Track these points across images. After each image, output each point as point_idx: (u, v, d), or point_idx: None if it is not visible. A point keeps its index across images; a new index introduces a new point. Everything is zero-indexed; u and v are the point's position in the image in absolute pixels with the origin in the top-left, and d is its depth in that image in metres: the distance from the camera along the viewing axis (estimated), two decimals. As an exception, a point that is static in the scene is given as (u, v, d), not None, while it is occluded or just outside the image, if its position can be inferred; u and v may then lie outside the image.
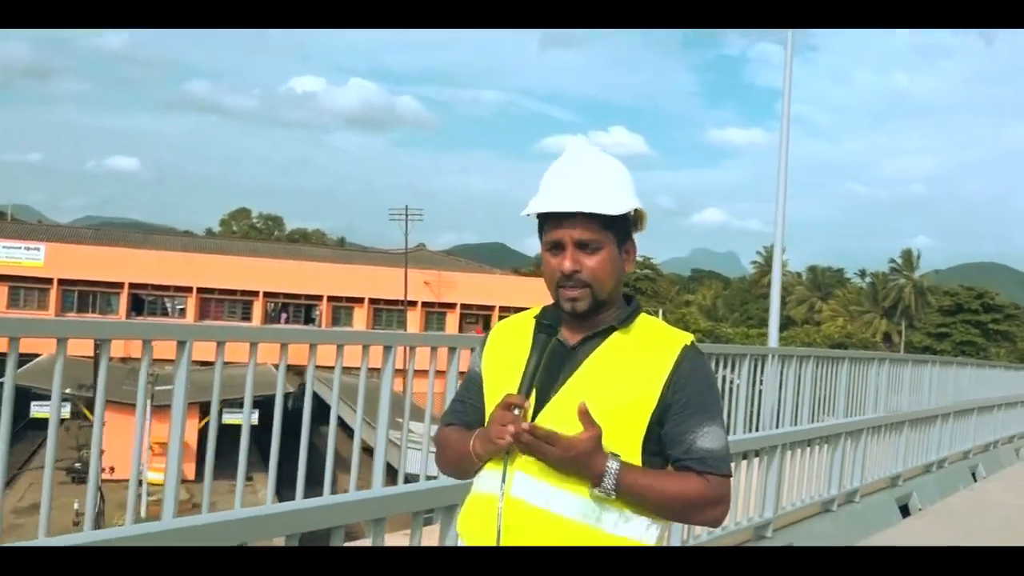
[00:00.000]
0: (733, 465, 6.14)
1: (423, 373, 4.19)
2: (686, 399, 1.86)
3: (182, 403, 3.16)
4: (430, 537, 4.00)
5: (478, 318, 56.26)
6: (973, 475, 11.80)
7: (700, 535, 5.66)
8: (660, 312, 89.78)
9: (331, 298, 51.78)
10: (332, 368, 3.77)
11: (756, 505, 6.39)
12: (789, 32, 16.62)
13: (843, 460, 7.92)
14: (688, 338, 1.93)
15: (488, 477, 1.92)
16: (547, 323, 1.91)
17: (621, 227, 1.92)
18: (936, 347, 65.85)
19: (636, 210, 1.94)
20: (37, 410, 23.27)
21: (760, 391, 6.35)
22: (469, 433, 1.95)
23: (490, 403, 1.96)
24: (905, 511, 9.11)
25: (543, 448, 1.78)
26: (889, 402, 9.01)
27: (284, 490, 3.57)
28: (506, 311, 56.41)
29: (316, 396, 3.71)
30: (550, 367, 1.89)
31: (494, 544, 1.87)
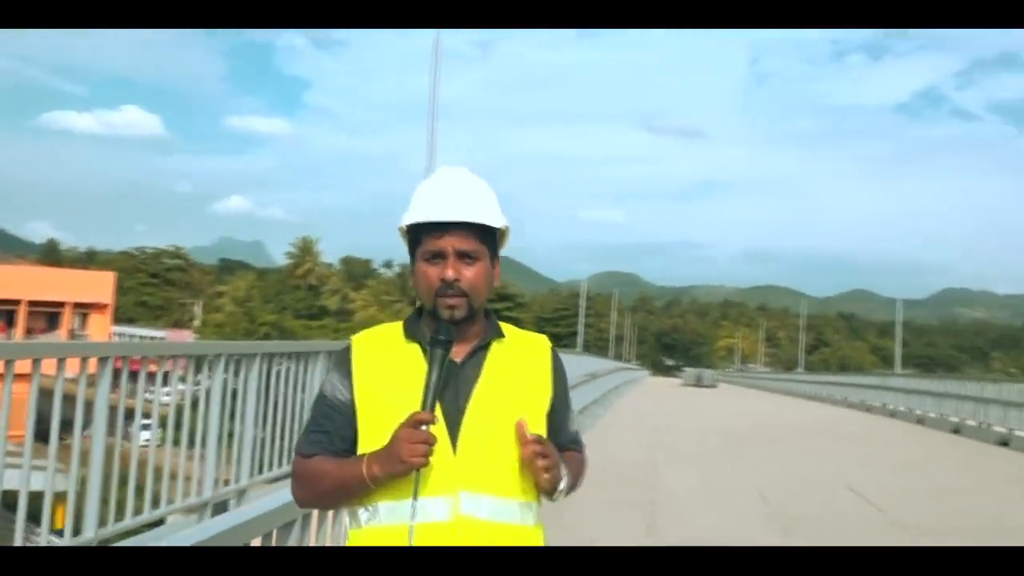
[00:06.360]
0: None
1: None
2: (561, 392, 2.04)
3: None
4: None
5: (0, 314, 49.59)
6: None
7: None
8: (200, 304, 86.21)
9: None
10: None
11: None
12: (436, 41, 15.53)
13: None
14: (546, 338, 2.09)
15: (388, 508, 1.85)
16: (443, 338, 1.87)
17: (493, 243, 1.99)
18: (460, 332, 72.45)
19: (501, 231, 2.02)
20: None
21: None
22: (349, 461, 1.87)
23: (369, 426, 1.90)
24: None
25: (552, 456, 1.86)
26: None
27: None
28: (36, 305, 50.45)
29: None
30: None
31: None
